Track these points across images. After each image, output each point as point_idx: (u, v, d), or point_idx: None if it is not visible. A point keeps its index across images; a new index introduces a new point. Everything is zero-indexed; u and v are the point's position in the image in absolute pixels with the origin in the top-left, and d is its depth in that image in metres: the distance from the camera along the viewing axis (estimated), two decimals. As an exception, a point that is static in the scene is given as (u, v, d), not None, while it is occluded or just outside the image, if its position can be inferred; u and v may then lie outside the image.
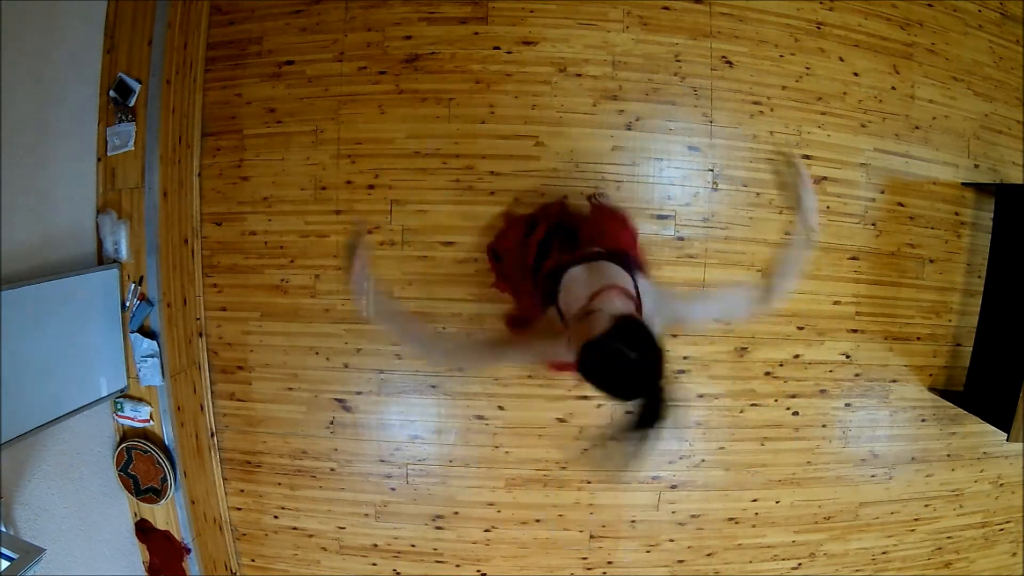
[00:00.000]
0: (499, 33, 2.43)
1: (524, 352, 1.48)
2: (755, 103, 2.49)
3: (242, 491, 2.72)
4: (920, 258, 2.65)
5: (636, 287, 1.32)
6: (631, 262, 1.47)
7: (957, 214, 2.67)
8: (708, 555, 2.72)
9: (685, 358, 2.56)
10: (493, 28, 2.43)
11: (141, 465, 2.30)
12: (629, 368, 1.09)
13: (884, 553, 2.80)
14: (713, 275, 2.51)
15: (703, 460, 2.63)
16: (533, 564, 2.70)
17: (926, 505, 2.78)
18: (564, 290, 1.39)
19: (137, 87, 2.16)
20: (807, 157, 2.52)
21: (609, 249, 1.58)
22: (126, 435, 2.32)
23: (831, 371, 2.63)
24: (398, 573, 2.73)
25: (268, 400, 2.63)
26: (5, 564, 1.57)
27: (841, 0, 2.50)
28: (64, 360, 1.97)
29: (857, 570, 2.80)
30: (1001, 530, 2.88)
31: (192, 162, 2.51)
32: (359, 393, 2.59)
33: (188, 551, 2.43)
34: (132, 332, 2.23)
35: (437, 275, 2.51)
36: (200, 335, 2.60)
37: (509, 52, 2.43)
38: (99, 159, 2.19)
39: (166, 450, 2.31)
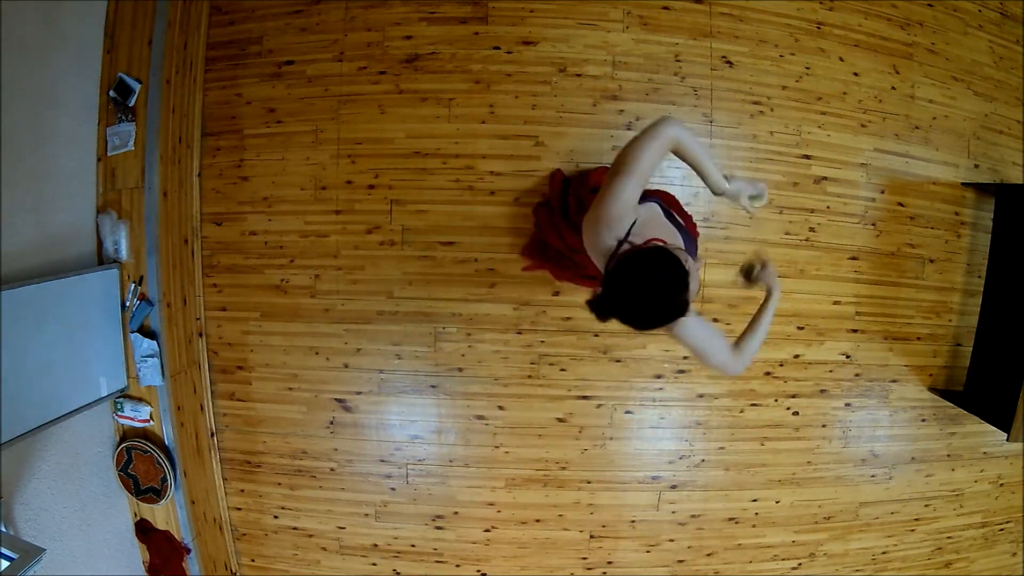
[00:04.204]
0: (499, 33, 2.43)
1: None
2: (755, 103, 2.49)
3: (242, 491, 2.72)
4: (920, 258, 2.65)
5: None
6: (694, 249, 1.51)
7: (957, 214, 2.67)
8: (708, 555, 2.72)
9: (685, 358, 2.56)
10: (493, 28, 2.43)
11: (141, 465, 2.30)
12: (656, 297, 1.11)
13: (884, 553, 2.80)
14: (713, 275, 2.51)
15: (703, 460, 2.63)
16: (533, 564, 2.70)
17: (926, 505, 2.78)
18: (640, 210, 1.38)
19: (137, 87, 2.16)
20: (807, 157, 2.52)
21: (687, 226, 1.59)
22: (126, 435, 2.32)
23: (831, 371, 2.63)
24: (398, 573, 2.73)
25: (268, 400, 2.63)
26: (5, 564, 1.57)
27: (841, 0, 2.50)
28: (64, 360, 1.97)
29: (857, 570, 2.80)
30: (1001, 530, 2.88)
31: (192, 162, 2.51)
32: (359, 393, 2.60)
33: (188, 551, 2.43)
34: (132, 332, 2.22)
35: (437, 275, 2.51)
36: (200, 335, 2.60)
37: (509, 52, 2.43)
38: (99, 159, 2.19)
39: (166, 450, 2.31)
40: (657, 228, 1.39)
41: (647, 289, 1.12)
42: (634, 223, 1.31)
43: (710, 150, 1.37)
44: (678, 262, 1.14)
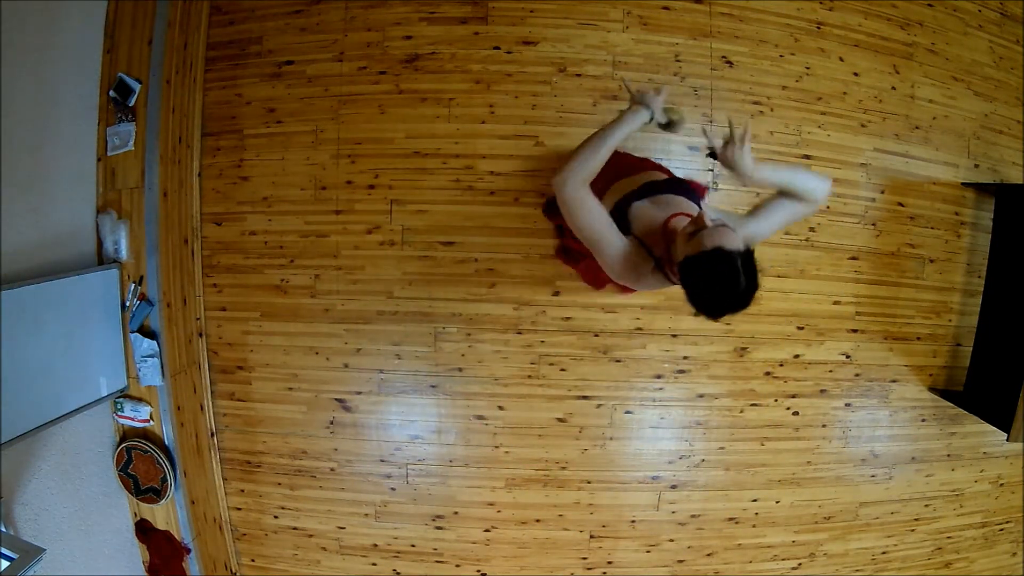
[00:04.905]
0: (499, 33, 2.43)
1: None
2: (755, 103, 2.49)
3: (242, 491, 2.72)
4: (920, 258, 2.65)
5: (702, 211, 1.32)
6: (691, 189, 1.52)
7: (957, 214, 2.67)
8: (708, 555, 2.72)
9: (685, 358, 2.56)
10: (493, 28, 2.43)
11: (141, 465, 2.30)
12: (735, 284, 1.16)
13: (884, 553, 2.80)
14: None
15: (703, 460, 2.63)
16: (533, 564, 2.70)
17: (926, 505, 2.78)
18: (635, 221, 1.40)
19: (137, 87, 2.16)
20: (807, 157, 2.52)
21: (670, 178, 1.59)
22: (126, 435, 2.32)
23: (831, 371, 2.63)
24: (398, 573, 2.73)
25: (268, 400, 2.63)
26: (5, 564, 1.57)
27: (841, 0, 2.50)
28: (64, 360, 1.96)
29: (857, 570, 2.80)
30: (1001, 530, 2.88)
31: (192, 162, 2.51)
32: (359, 393, 2.60)
33: (188, 551, 2.43)
34: (132, 332, 2.22)
35: (437, 275, 2.51)
36: (200, 335, 2.60)
37: (509, 52, 2.43)
38: (99, 159, 2.19)
39: (166, 450, 2.31)
40: (653, 214, 1.39)
41: (720, 284, 1.17)
42: (642, 244, 1.33)
43: (593, 140, 1.40)
44: (709, 255, 1.17)
